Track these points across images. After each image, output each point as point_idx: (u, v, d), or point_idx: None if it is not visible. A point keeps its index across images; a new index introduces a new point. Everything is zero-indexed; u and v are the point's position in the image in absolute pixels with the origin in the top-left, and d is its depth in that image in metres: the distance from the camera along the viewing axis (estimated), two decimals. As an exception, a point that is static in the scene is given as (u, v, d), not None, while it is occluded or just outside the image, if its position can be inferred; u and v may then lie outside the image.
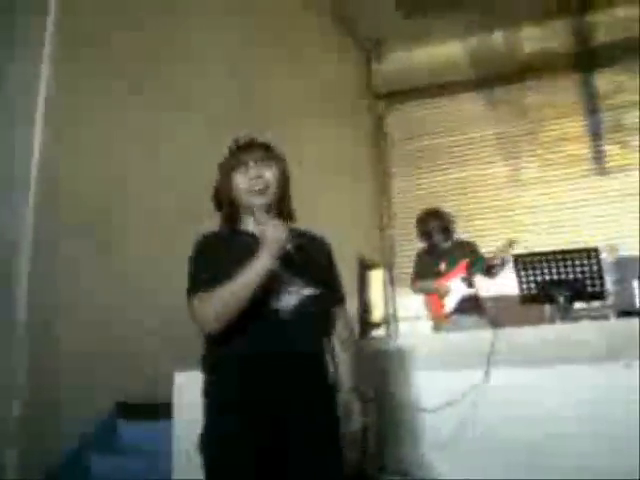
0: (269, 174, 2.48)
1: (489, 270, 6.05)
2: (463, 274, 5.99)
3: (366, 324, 7.80)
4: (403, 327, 8.35)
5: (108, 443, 4.59)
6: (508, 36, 8.89)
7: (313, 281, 2.44)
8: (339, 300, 2.66)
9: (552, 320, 5.31)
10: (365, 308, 8.05)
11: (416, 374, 4.24)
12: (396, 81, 9.33)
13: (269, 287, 2.32)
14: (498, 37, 8.95)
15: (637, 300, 7.31)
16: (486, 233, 8.50)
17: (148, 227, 4.97)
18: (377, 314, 8.31)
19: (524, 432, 4.00)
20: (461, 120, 9.18)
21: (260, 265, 2.30)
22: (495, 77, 9.07)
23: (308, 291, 2.42)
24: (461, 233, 7.94)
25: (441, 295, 6.02)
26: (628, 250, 8.01)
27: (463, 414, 4.10)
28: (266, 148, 2.55)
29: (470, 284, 5.98)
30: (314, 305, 2.43)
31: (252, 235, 2.46)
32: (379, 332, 7.95)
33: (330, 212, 7.36)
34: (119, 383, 4.53)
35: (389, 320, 7.60)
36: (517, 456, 3.99)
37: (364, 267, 8.15)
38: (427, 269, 6.15)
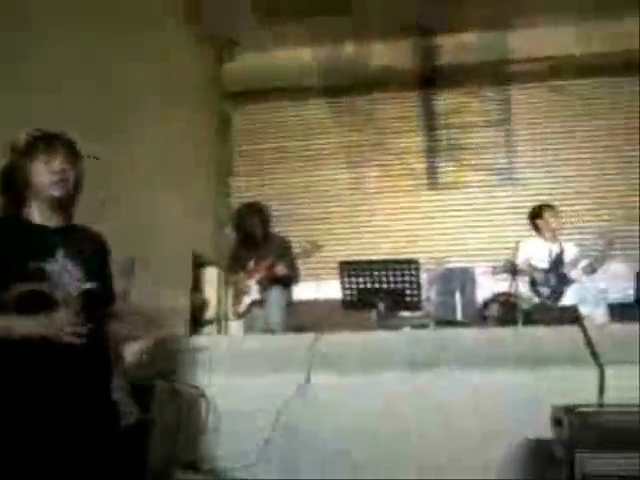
0: (71, 172, 2.52)
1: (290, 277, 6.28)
2: (263, 276, 6.16)
3: (198, 321, 7.80)
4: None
5: None
6: (358, 49, 9.10)
7: (90, 277, 2.48)
8: (111, 298, 2.72)
9: (375, 327, 5.51)
10: (198, 305, 8.05)
11: (232, 375, 4.33)
12: (246, 81, 9.34)
13: (48, 280, 2.34)
14: (348, 48, 9.14)
15: (459, 311, 7.69)
16: (330, 237, 8.71)
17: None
18: (210, 312, 8.33)
19: (338, 433, 4.17)
20: (308, 125, 9.34)
21: (40, 330, 2.32)
22: (343, 87, 9.28)
23: (86, 286, 2.46)
24: (303, 236, 8.20)
25: (241, 291, 6.19)
26: (454, 263, 8.43)
27: (281, 416, 4.22)
28: (70, 145, 2.57)
29: (265, 288, 6.16)
30: (92, 300, 2.47)
31: (37, 227, 2.48)
32: (210, 330, 7.97)
33: (171, 208, 7.32)
34: None
35: (220, 318, 7.65)
36: (332, 459, 4.15)
37: (199, 264, 8.15)
38: (238, 262, 6.30)
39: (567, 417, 2.98)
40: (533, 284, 6.48)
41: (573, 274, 6.53)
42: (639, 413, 3.04)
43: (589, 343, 4.20)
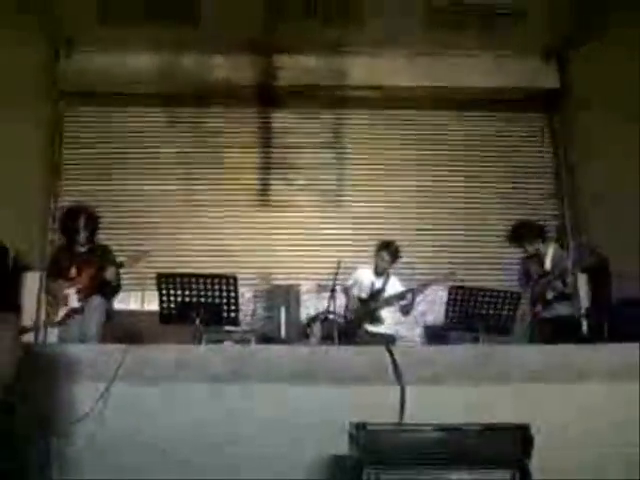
0: None
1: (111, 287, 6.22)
2: (82, 287, 6.05)
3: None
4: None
5: None
6: (199, 60, 9.06)
7: None
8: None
9: (196, 340, 5.50)
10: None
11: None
12: (82, 83, 9.02)
13: None
14: (189, 59, 9.09)
15: (283, 327, 7.80)
16: (157, 248, 8.57)
17: None
18: (28, 318, 7.99)
19: (139, 450, 4.15)
20: (142, 133, 9.17)
21: None
22: (181, 97, 9.24)
23: None
24: (131, 247, 8.06)
25: (57, 300, 6.04)
26: (281, 280, 8.55)
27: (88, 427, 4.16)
28: None
29: (85, 297, 6.06)
30: None
31: None
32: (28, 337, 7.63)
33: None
34: None
35: (39, 326, 7.35)
36: (137, 469, 4.11)
37: (18, 268, 7.80)
38: (59, 268, 6.14)
39: (357, 434, 3.10)
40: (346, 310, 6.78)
41: (386, 308, 6.88)
42: (428, 431, 3.20)
43: (394, 364, 4.39)
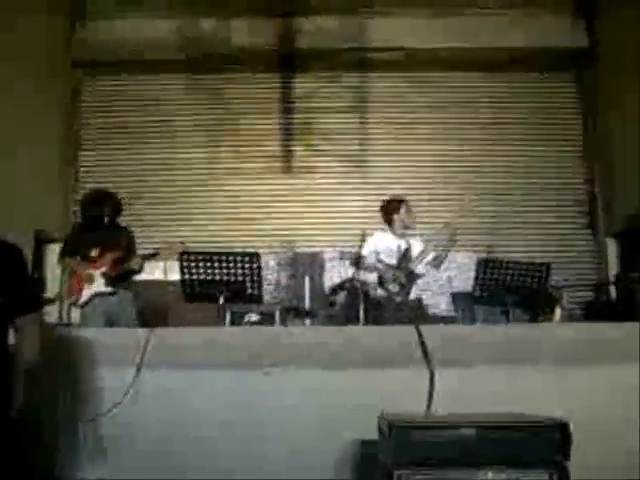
0: None
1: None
2: (107, 269, 5.99)
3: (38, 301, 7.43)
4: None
5: None
6: (218, 25, 8.86)
7: None
8: (26, 306, 2.90)
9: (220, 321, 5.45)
10: (40, 284, 7.67)
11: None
12: (98, 51, 8.85)
13: None
14: (208, 24, 8.89)
15: (307, 296, 7.70)
16: (177, 218, 8.54)
17: None
18: (50, 290, 7.97)
19: (172, 434, 4.09)
20: (161, 101, 9.02)
21: None
22: (201, 63, 9.04)
23: None
24: (153, 217, 8.02)
25: (84, 280, 6.00)
26: (304, 247, 8.44)
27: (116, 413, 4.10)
28: None
29: (112, 283, 6.01)
30: None
31: None
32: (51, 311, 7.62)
33: (11, 180, 6.98)
34: None
35: (62, 298, 7.33)
36: (165, 457, 4.07)
37: (41, 241, 7.76)
38: (79, 247, 6.10)
39: (389, 431, 2.99)
40: (381, 281, 6.51)
41: (420, 269, 6.63)
42: (463, 429, 3.06)
43: (423, 346, 4.27)
